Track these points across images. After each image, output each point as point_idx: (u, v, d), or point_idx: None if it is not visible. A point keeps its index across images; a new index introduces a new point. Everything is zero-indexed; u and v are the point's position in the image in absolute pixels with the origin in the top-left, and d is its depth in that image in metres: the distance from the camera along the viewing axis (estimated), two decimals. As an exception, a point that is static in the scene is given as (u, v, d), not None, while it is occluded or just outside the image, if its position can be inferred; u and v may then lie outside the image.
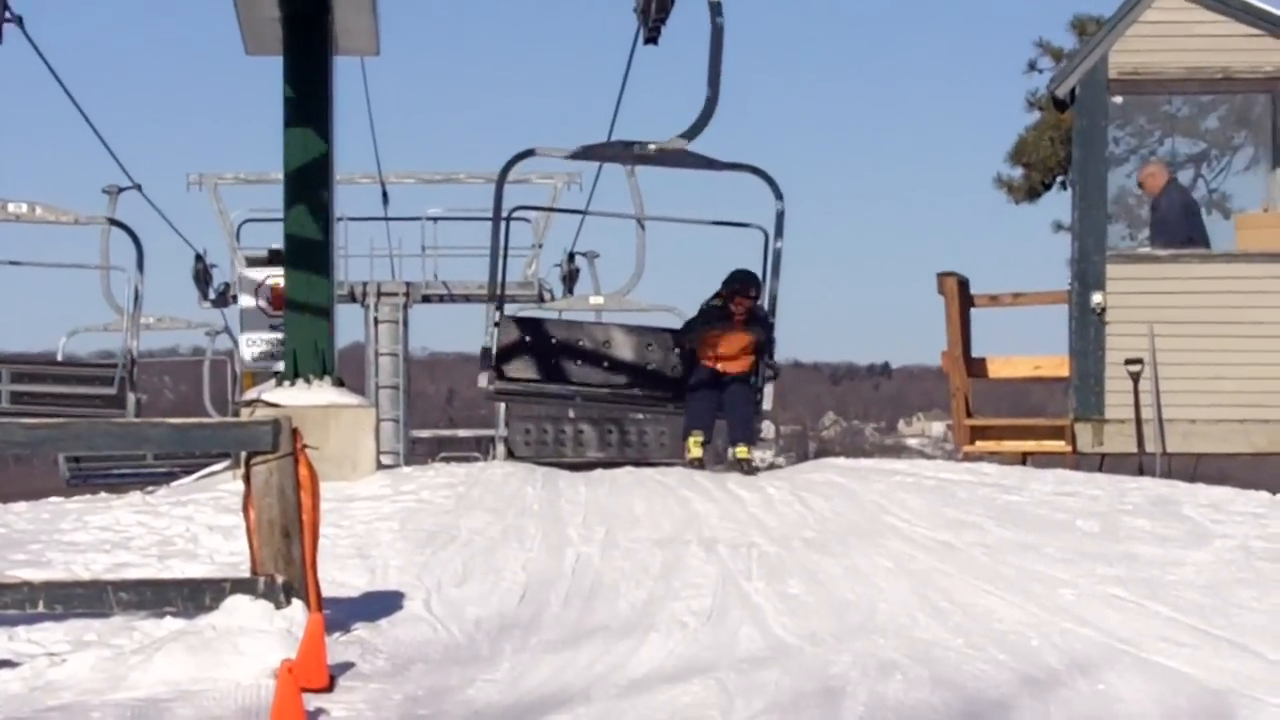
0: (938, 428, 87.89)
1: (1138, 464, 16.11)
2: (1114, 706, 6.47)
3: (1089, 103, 16.76)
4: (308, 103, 14.67)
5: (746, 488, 13.56)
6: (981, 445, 17.34)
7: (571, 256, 32.23)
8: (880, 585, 9.21)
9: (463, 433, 35.45)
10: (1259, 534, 10.84)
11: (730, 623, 8.20)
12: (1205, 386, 16.28)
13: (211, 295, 31.96)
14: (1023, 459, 16.96)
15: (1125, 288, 16.52)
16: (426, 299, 30.96)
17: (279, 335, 21.77)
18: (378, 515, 11.86)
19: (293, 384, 14.59)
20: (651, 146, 15.28)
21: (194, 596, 7.68)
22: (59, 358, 31.24)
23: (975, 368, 17.84)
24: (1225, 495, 12.77)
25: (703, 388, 15.82)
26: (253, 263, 29.37)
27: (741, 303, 15.69)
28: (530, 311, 27.15)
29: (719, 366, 15.70)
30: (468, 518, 11.75)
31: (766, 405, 15.84)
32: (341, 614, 8.08)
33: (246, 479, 7.67)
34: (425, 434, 34.65)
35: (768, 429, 21.70)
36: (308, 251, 14.82)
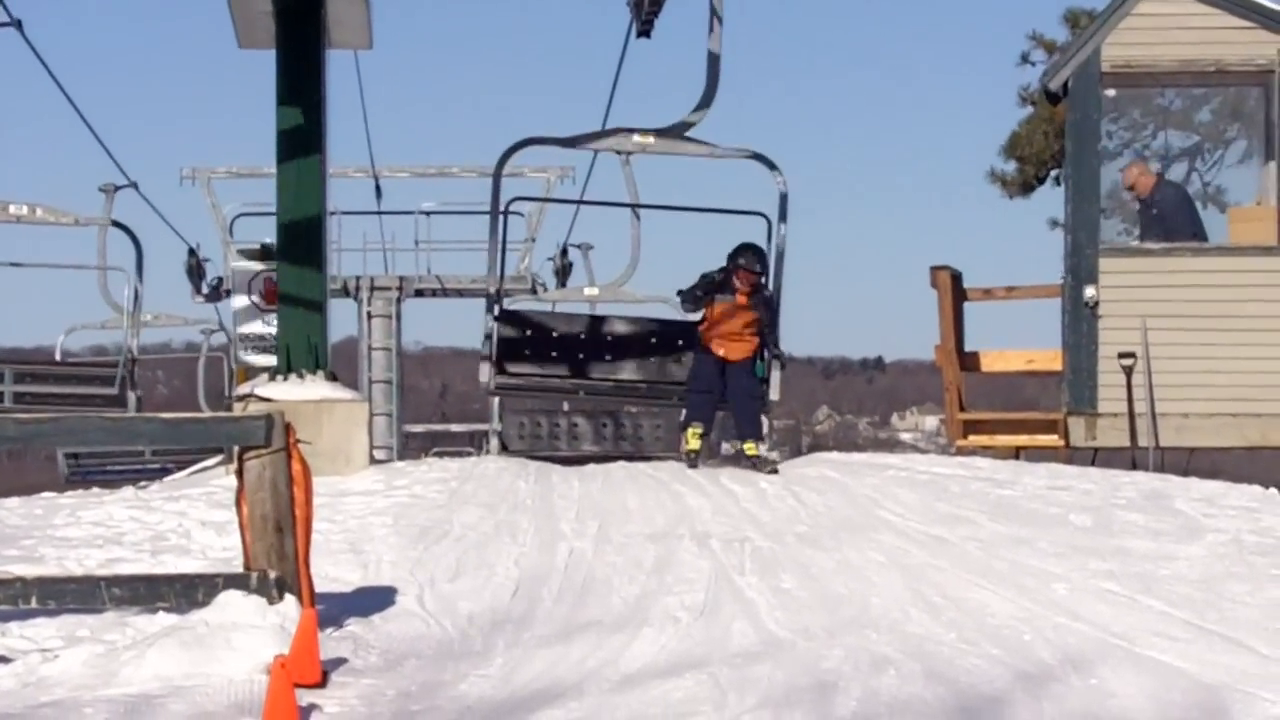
0: (931, 422, 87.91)
1: (1130, 458, 16.13)
2: (1107, 701, 6.47)
3: (1082, 96, 16.77)
4: (300, 96, 14.66)
5: (740, 482, 13.56)
6: (975, 439, 17.36)
7: (565, 251, 32.19)
8: (873, 580, 9.21)
9: (456, 427, 35.45)
10: (1252, 528, 10.86)
11: (723, 617, 8.20)
12: (1198, 380, 16.30)
13: (205, 289, 31.93)
14: (1016, 453, 16.99)
15: (1118, 281, 16.54)
16: (420, 293, 30.93)
17: (272, 330, 21.76)
18: (371, 510, 11.86)
19: (286, 379, 14.59)
20: (651, 135, 15.27)
21: (187, 592, 7.67)
22: (57, 354, 31.34)
23: (968, 362, 17.85)
24: (1218, 489, 12.78)
25: (705, 377, 15.14)
26: (245, 257, 29.37)
27: (746, 276, 14.99)
28: (527, 303, 27.09)
29: (721, 352, 15.01)
30: (461, 513, 11.76)
31: (774, 396, 15.23)
32: (334, 609, 8.08)
33: (239, 474, 7.66)
34: (418, 429, 34.63)
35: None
36: (301, 245, 14.81)
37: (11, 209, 23.35)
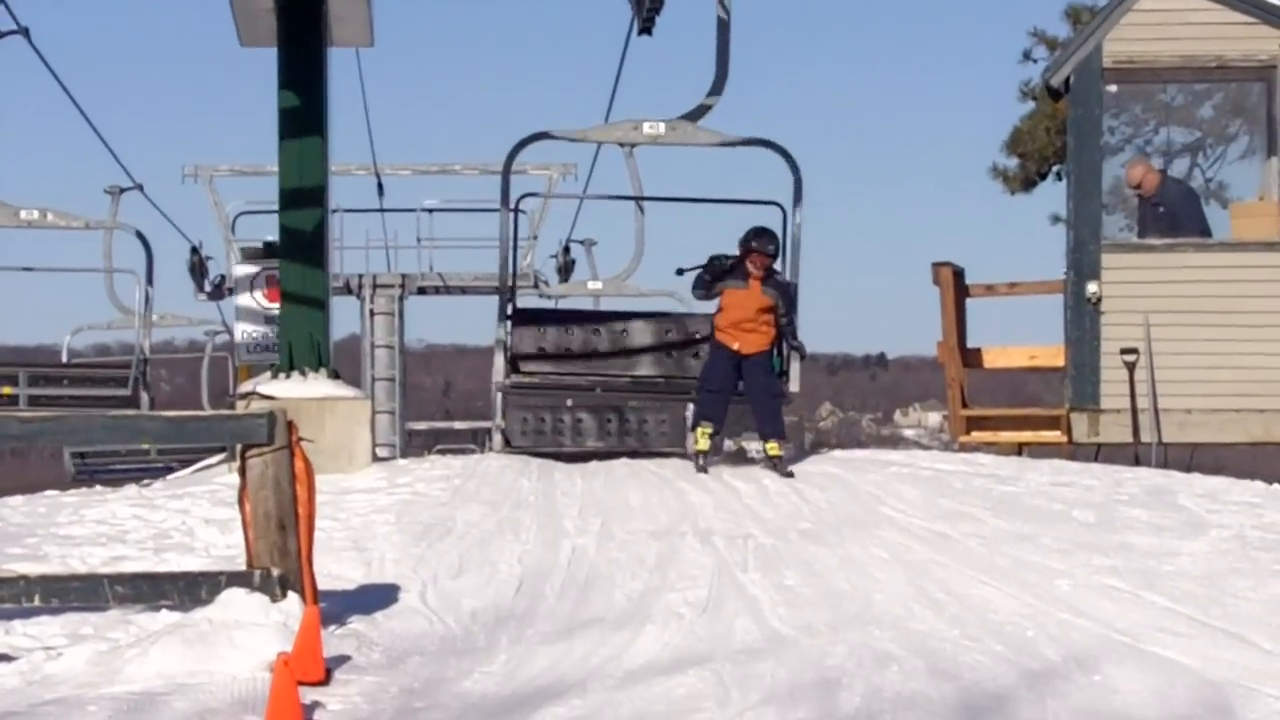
0: (934, 418, 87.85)
1: (1133, 454, 16.11)
2: (1110, 698, 6.47)
3: (1083, 92, 16.76)
4: (302, 94, 14.65)
5: (742, 479, 13.55)
6: (977, 436, 17.35)
7: (567, 248, 32.21)
8: (876, 576, 9.21)
9: (459, 425, 35.51)
10: (1255, 523, 10.85)
11: (726, 614, 8.20)
12: (1201, 376, 16.29)
13: (207, 287, 31.95)
14: (1019, 449, 16.97)
15: (1120, 277, 16.52)
16: (422, 291, 30.96)
17: (274, 328, 21.78)
18: (374, 508, 11.86)
19: (288, 376, 14.58)
20: (661, 125, 15.21)
21: (190, 590, 7.68)
22: (63, 355, 31.46)
23: (971, 358, 17.84)
24: (1221, 485, 12.78)
25: (718, 375, 14.57)
26: (248, 255, 29.38)
27: (759, 260, 14.38)
28: (532, 300, 27.03)
29: (736, 345, 14.45)
30: (464, 510, 11.76)
31: (794, 388, 14.85)
32: (337, 607, 8.08)
33: (242, 472, 7.66)
34: (421, 426, 34.68)
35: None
36: (303, 243, 14.81)
37: (23, 214, 23.38)
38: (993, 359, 18.17)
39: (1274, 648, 7.31)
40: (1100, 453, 16.44)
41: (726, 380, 14.59)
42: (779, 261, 14.83)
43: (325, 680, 6.77)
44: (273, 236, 22.65)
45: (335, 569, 9.19)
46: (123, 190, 27.96)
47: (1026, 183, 31.28)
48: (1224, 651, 7.24)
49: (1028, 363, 18.27)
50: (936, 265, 17.70)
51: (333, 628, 7.66)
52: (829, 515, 11.61)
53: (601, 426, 21.08)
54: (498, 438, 20.23)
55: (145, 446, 26.52)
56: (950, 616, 8.05)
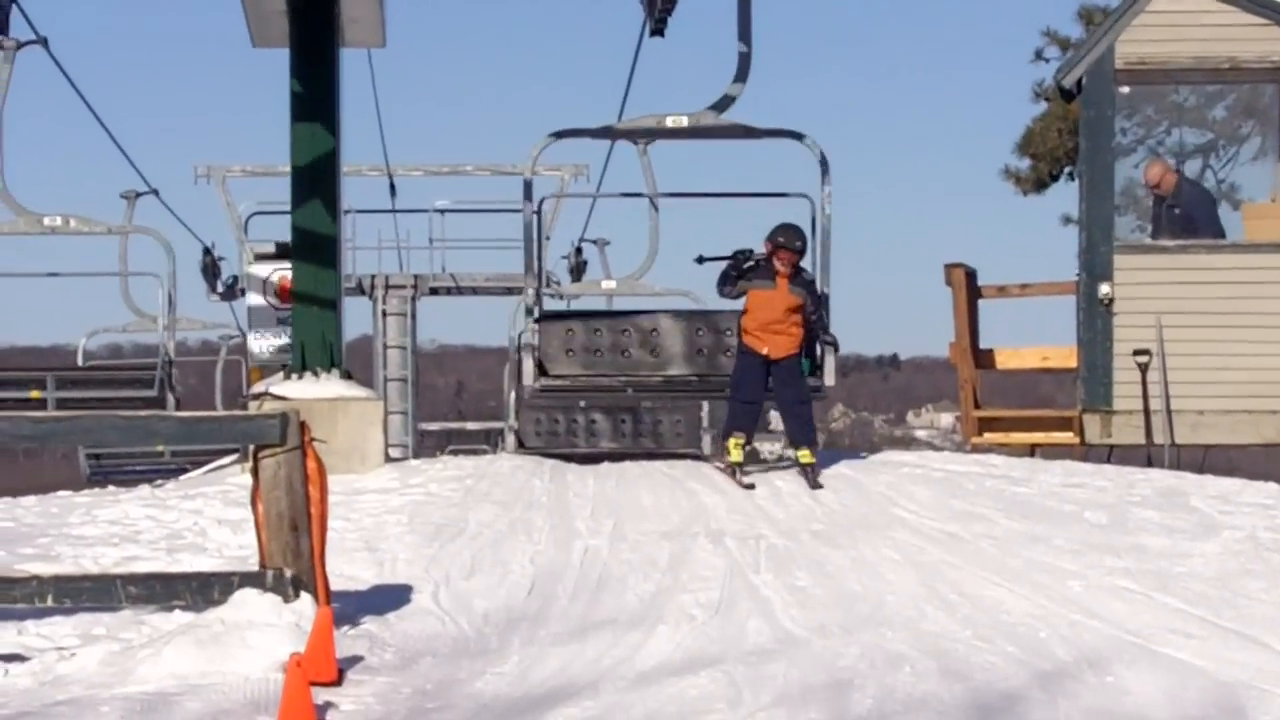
0: (946, 419, 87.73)
1: (1146, 455, 16.09)
2: (1122, 699, 6.47)
3: (1096, 93, 16.75)
4: (314, 95, 14.68)
5: (754, 480, 13.53)
6: (990, 437, 17.33)
7: (579, 249, 32.17)
8: (888, 577, 9.21)
9: (471, 425, 35.44)
10: (1268, 525, 10.84)
11: (738, 615, 8.20)
12: (1213, 377, 16.27)
13: (220, 288, 31.98)
14: (1031, 450, 16.96)
15: (1133, 278, 16.51)
16: (434, 291, 30.93)
17: (287, 330, 21.81)
18: (386, 508, 11.87)
19: (300, 377, 14.60)
20: (685, 118, 15.02)
21: (202, 590, 7.69)
22: (79, 357, 31.56)
23: (983, 359, 17.83)
24: (1233, 486, 12.76)
25: (749, 385, 14.04)
26: (260, 256, 29.41)
27: (786, 256, 13.82)
28: (549, 301, 26.99)
29: (765, 350, 13.82)
30: (476, 510, 11.77)
31: (829, 381, 14.26)
32: (350, 607, 8.09)
33: (255, 472, 7.67)
34: (434, 427, 34.63)
35: (775, 420, 21.50)
36: (315, 244, 14.83)
37: (46, 220, 23.45)
38: (1005, 360, 18.14)
39: (1286, 649, 7.31)
40: (1112, 454, 16.42)
41: (758, 390, 14.13)
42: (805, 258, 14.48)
43: (338, 681, 6.78)
44: (285, 237, 22.71)
45: (348, 570, 9.21)
46: (138, 195, 28.09)
47: (1038, 184, 31.26)
48: (1236, 653, 7.23)
49: (1040, 364, 18.24)
50: (949, 266, 17.69)
51: (345, 628, 7.67)
52: (841, 516, 11.61)
53: (615, 427, 21.03)
54: (510, 438, 20.20)
55: (159, 448, 26.67)
56: (962, 618, 8.05)
